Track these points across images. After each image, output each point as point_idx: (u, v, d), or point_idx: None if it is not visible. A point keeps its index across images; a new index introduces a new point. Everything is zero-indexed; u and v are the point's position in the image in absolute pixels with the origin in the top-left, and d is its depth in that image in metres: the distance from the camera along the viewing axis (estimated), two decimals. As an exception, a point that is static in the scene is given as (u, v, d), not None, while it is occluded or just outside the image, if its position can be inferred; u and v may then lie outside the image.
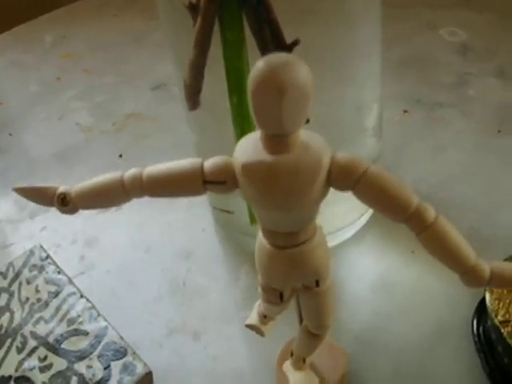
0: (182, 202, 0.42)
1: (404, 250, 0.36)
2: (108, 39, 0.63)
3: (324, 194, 0.20)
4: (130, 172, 0.21)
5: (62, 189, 0.21)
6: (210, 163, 0.20)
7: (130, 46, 0.61)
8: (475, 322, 0.32)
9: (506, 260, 0.32)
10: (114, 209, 0.42)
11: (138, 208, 0.42)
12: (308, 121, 0.31)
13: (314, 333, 0.26)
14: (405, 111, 0.46)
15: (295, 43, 0.28)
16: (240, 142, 0.20)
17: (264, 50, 0.28)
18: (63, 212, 0.22)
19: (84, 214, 0.42)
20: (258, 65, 0.17)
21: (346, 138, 0.33)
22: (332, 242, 0.36)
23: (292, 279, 0.22)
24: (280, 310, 0.26)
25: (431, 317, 0.33)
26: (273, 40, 0.28)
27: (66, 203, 0.21)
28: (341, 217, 0.36)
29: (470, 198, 0.39)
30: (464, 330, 0.32)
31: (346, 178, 0.19)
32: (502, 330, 0.29)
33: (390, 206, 0.19)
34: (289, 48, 0.28)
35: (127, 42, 0.62)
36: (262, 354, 0.32)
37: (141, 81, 0.55)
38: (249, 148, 0.19)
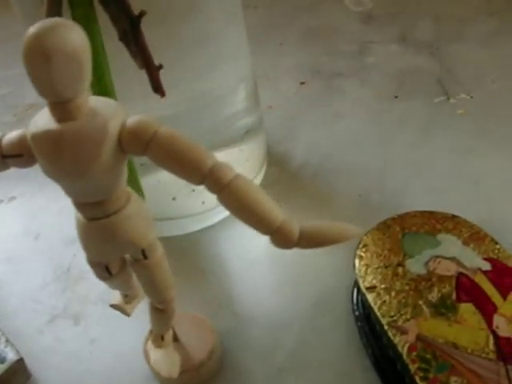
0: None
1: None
2: (12, 31, 0.61)
3: (118, 160, 0.19)
4: None
5: None
6: (7, 137, 0.20)
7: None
8: (355, 291, 0.32)
9: (380, 224, 0.32)
10: (6, 200, 0.42)
11: (32, 197, 0.41)
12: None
13: (159, 308, 0.25)
14: (302, 83, 0.45)
15: (141, 15, 0.27)
16: (37, 115, 0.20)
17: (115, 23, 0.28)
18: None
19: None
20: (28, 30, 0.17)
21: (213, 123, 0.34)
22: (216, 218, 0.36)
23: (108, 251, 0.22)
24: (121, 285, 0.25)
25: (313, 289, 0.33)
26: (120, 12, 0.28)
27: None
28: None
29: (361, 166, 0.39)
30: (346, 301, 0.32)
31: (136, 141, 0.19)
32: (367, 296, 0.28)
33: (182, 168, 0.19)
34: (136, 19, 0.28)
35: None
36: (140, 335, 0.32)
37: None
38: (42, 119, 0.19)
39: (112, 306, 0.29)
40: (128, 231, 0.21)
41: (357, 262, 0.30)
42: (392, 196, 0.36)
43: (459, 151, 0.39)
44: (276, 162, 0.39)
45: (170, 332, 0.28)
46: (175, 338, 0.29)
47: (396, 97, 0.43)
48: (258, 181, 0.37)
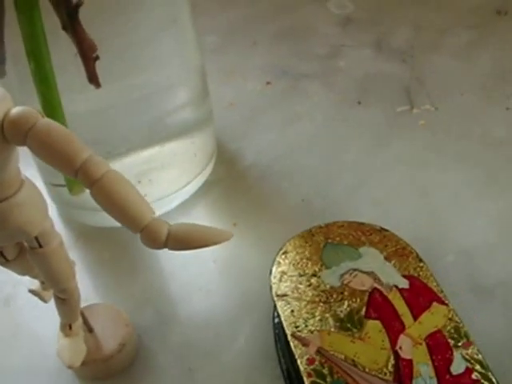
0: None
1: (226, 222, 0.35)
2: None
3: (2, 150, 0.19)
4: None
5: None
6: None
7: None
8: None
9: (304, 232, 0.31)
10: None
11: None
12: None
13: (61, 297, 0.25)
14: (268, 83, 0.45)
15: (78, 5, 0.28)
16: None
17: (57, 12, 0.28)
18: None
19: None
20: None
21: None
22: (163, 209, 0.36)
23: None
24: (23, 271, 0.26)
25: (241, 292, 0.33)
26: (59, 1, 0.28)
27: None
28: (165, 185, 0.36)
29: (310, 170, 0.38)
30: (269, 307, 0.31)
31: (16, 131, 0.19)
32: (277, 303, 0.28)
33: (56, 160, 0.19)
34: (73, 9, 0.28)
35: None
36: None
37: None
38: None
39: (30, 291, 0.29)
40: (18, 218, 0.21)
41: (274, 268, 0.29)
42: (334, 203, 0.36)
43: (412, 163, 0.38)
44: (226, 160, 0.39)
45: (79, 322, 0.28)
46: (90, 329, 0.29)
47: (359, 103, 0.42)
48: (203, 177, 0.37)
